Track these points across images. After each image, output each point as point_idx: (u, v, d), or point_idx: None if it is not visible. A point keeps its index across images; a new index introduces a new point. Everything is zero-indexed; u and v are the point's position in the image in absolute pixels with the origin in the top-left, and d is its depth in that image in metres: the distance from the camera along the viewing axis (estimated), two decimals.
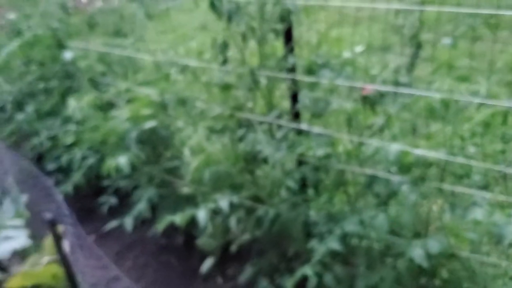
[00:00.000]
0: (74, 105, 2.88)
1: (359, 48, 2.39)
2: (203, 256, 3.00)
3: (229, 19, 2.23)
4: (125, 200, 3.40)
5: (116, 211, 3.35)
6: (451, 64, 1.95)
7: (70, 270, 2.17)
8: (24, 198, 2.76)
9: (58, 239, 2.12)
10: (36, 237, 2.82)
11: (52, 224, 2.10)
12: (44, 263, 2.41)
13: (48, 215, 2.09)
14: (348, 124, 2.00)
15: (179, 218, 2.31)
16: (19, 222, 2.50)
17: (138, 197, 3.05)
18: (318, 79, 2.10)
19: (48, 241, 2.48)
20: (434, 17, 1.99)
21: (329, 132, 2.19)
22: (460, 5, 1.85)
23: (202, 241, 2.92)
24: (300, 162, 2.42)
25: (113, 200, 3.30)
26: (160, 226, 2.31)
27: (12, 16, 4.10)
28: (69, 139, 3.08)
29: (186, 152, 2.34)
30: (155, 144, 3.05)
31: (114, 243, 3.65)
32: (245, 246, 2.81)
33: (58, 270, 2.35)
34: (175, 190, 3.14)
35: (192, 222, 2.48)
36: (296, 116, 2.45)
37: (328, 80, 2.03)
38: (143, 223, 3.19)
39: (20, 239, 2.26)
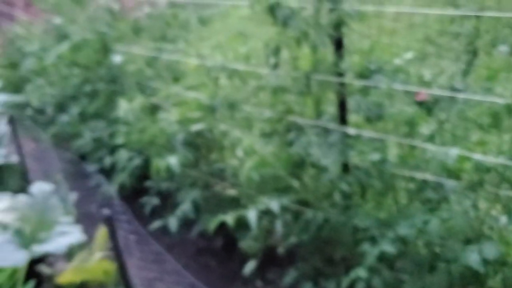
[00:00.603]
0: (125, 107, 2.95)
1: (409, 55, 2.42)
2: (242, 259, 3.02)
3: (284, 24, 2.27)
4: (165, 202, 3.47)
5: (156, 213, 3.41)
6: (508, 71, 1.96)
7: (123, 267, 2.22)
8: (73, 196, 2.82)
9: (114, 235, 2.17)
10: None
11: (108, 220, 2.15)
12: (95, 259, 2.47)
13: (105, 211, 2.15)
14: (408, 129, 2.01)
15: (230, 218, 2.35)
16: (70, 218, 2.56)
17: (182, 198, 3.11)
18: (374, 84, 2.13)
19: (99, 237, 2.53)
20: (491, 24, 2.01)
21: (381, 137, 2.21)
22: None
23: (245, 244, 2.95)
24: (346, 166, 2.45)
25: (155, 201, 3.35)
26: (211, 225, 2.36)
27: (57, 20, 4.21)
28: (118, 140, 3.15)
29: (239, 153, 2.38)
30: (200, 146, 3.10)
31: (154, 244, 3.71)
32: (286, 249, 2.83)
33: (109, 266, 2.40)
34: (218, 192, 3.19)
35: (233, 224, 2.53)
36: (343, 121, 2.48)
37: (384, 84, 2.05)
38: (182, 225, 3.23)
39: (74, 234, 2.31)
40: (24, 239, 2.27)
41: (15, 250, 2.17)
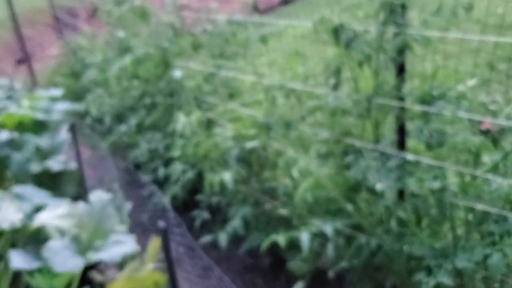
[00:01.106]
0: (183, 120, 3.01)
1: (472, 82, 2.36)
2: (289, 280, 3.00)
3: (347, 46, 2.27)
4: (215, 217, 3.49)
5: (205, 227, 3.44)
6: None
7: (175, 279, 2.24)
8: (128, 205, 2.88)
9: (167, 247, 2.19)
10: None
11: (163, 233, 2.18)
12: (147, 270, 2.50)
13: (161, 223, 2.18)
14: (471, 158, 1.96)
15: (281, 238, 2.34)
16: (124, 228, 2.62)
17: (232, 214, 3.12)
18: (437, 110, 2.08)
19: (152, 248, 2.57)
20: None
21: (441, 165, 2.15)
22: None
23: (294, 265, 2.92)
24: (402, 193, 2.40)
25: (205, 215, 3.38)
26: (264, 245, 2.35)
27: (121, 34, 4.35)
28: (174, 152, 3.21)
29: (294, 174, 2.37)
30: (253, 164, 3.12)
31: (201, 258, 3.74)
32: (336, 273, 2.79)
33: (160, 278, 2.42)
34: (269, 211, 3.18)
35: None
36: (401, 146, 2.44)
37: (448, 112, 2.01)
38: (231, 241, 3.24)
39: (129, 244, 2.36)
40: (81, 246, 2.33)
41: (72, 256, 2.24)
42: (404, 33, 2.09)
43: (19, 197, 2.66)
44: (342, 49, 2.29)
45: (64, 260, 2.19)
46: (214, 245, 3.18)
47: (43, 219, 2.44)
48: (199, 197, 3.44)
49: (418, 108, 2.23)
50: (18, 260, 2.29)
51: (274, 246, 2.80)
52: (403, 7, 2.21)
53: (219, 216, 3.47)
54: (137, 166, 4.13)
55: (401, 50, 2.21)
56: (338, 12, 2.27)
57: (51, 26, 8.54)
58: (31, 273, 2.19)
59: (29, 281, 2.21)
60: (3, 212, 2.52)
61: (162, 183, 3.73)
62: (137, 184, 4.17)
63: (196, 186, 3.53)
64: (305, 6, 9.09)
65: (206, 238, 3.12)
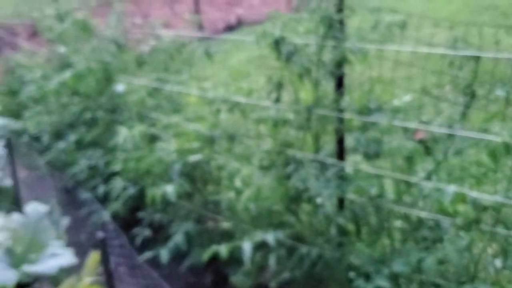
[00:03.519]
0: (125, 134, 2.97)
1: (407, 97, 2.48)
2: None
3: (288, 59, 2.33)
4: (157, 235, 3.43)
5: (146, 245, 3.37)
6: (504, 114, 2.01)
7: None
8: (65, 220, 2.80)
9: (106, 258, 2.14)
10: None
11: (102, 243, 2.13)
12: (85, 284, 2.42)
13: (100, 234, 2.13)
14: (406, 166, 2.04)
15: (223, 249, 2.33)
16: (61, 242, 2.53)
17: (175, 230, 3.08)
18: (374, 120, 2.17)
19: (90, 263, 2.50)
20: (489, 67, 2.07)
21: (378, 173, 2.23)
22: None
23: (237, 279, 2.91)
24: (342, 202, 2.46)
25: (147, 233, 3.31)
26: (205, 256, 2.34)
27: (61, 49, 4.28)
28: (116, 167, 3.14)
29: (237, 184, 2.39)
30: (196, 179, 3.11)
31: (142, 278, 3.64)
32: (278, 286, 2.80)
33: None
34: (212, 226, 3.17)
35: (223, 259, 2.49)
36: (341, 156, 2.51)
37: (384, 121, 2.10)
38: (173, 258, 3.19)
39: (66, 256, 2.29)
40: (15, 258, 2.24)
41: (5, 269, 2.14)
42: (341, 46, 2.18)
43: None
44: (283, 62, 2.36)
45: None
46: (155, 262, 3.12)
47: None
48: (141, 214, 3.38)
49: (356, 119, 2.32)
50: None
51: (216, 262, 2.77)
52: (341, 22, 2.31)
53: (161, 234, 3.41)
54: (76, 185, 4.01)
55: (340, 63, 2.30)
56: (279, 26, 2.34)
57: None
58: None
59: None
60: None
61: (102, 201, 3.64)
62: (75, 204, 4.04)
63: (137, 203, 3.46)
64: (250, 33, 9.29)
65: (148, 254, 3.05)
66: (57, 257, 2.28)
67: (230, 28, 9.88)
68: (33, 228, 2.38)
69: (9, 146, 3.51)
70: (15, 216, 2.41)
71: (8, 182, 3.43)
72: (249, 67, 6.00)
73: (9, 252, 2.22)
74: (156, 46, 3.53)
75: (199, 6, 8.47)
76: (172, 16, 10.54)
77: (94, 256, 2.43)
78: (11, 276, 2.10)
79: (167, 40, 3.66)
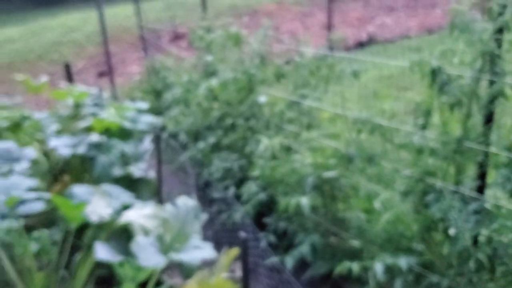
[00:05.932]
0: (266, 143, 3.14)
1: None
2: None
3: (440, 89, 2.35)
4: (279, 242, 3.56)
5: (269, 250, 3.52)
6: None
7: None
8: (204, 216, 3.01)
9: (245, 257, 2.30)
10: None
11: (244, 243, 2.30)
12: (220, 278, 2.60)
13: (242, 234, 2.29)
14: None
15: (356, 266, 2.40)
16: (200, 236, 2.74)
17: (301, 240, 3.20)
18: None
19: (225, 258, 2.67)
20: None
21: None
22: None
23: None
24: (476, 239, 2.41)
25: (272, 238, 3.46)
26: (338, 269, 2.41)
27: (209, 58, 4.60)
28: (255, 172, 3.33)
29: (377, 205, 2.44)
30: (325, 192, 3.20)
31: (260, 282, 3.81)
32: None
33: (231, 287, 2.52)
34: (335, 242, 3.24)
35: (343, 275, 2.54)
36: (480, 191, 2.47)
37: None
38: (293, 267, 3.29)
39: (207, 250, 2.48)
40: (164, 245, 2.47)
41: (157, 253, 2.37)
42: (501, 82, 2.16)
43: (107, 194, 2.85)
44: (435, 91, 2.38)
45: (150, 256, 2.33)
46: (273, 268, 3.25)
47: (130, 216, 2.59)
48: (267, 220, 3.54)
49: (504, 155, 2.27)
50: (103, 252, 2.44)
51: (334, 278, 2.81)
52: (499, 56, 2.28)
53: (283, 242, 3.55)
54: (206, 185, 4.28)
55: (493, 99, 2.27)
56: (436, 56, 2.36)
57: (135, 45, 9.05)
58: (121, 264, 2.34)
59: (117, 270, 2.35)
60: (93, 205, 2.70)
61: (231, 203, 3.86)
62: (204, 202, 4.31)
63: (263, 209, 3.63)
64: (379, 52, 9.24)
65: (273, 259, 3.20)
66: (200, 249, 2.47)
67: (360, 45, 9.90)
68: (182, 220, 2.61)
69: (156, 141, 3.84)
70: (168, 207, 2.65)
71: (151, 174, 3.75)
72: (379, 86, 5.99)
73: (160, 239, 2.46)
74: (299, 62, 3.67)
75: (332, 21, 8.59)
76: (303, 30, 10.79)
77: (230, 253, 2.60)
78: (161, 260, 2.32)
79: (308, 56, 3.80)
